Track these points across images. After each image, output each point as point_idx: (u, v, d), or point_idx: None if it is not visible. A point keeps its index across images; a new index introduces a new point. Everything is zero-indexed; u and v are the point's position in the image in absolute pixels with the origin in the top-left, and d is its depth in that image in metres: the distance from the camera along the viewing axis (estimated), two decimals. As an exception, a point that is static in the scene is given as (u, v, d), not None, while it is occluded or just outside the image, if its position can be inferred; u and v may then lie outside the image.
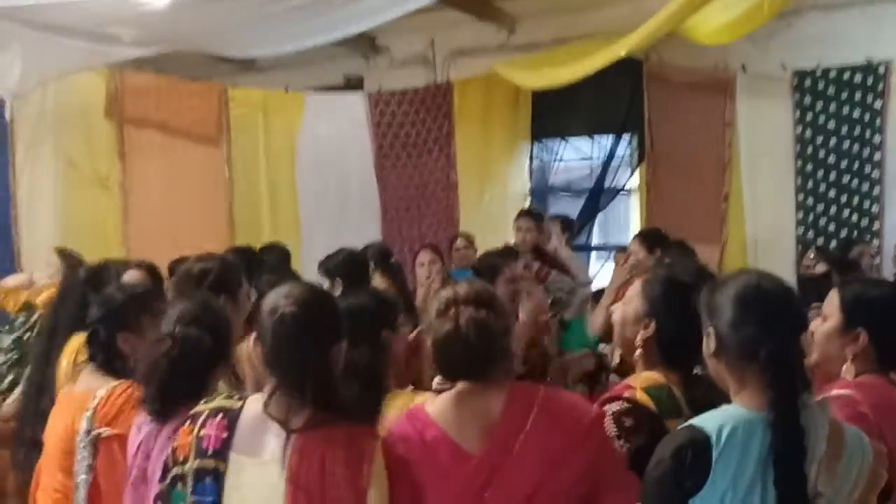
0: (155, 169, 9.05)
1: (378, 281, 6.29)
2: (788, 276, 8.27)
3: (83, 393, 3.79)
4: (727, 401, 2.85)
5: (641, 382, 3.26)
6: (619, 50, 7.69)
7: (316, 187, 9.67)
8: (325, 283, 5.53)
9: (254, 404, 2.92)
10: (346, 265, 5.72)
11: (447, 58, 10.34)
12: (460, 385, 2.92)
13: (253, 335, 2.98)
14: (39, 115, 8.46)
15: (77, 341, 4.34)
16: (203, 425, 2.90)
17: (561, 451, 2.77)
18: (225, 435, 2.87)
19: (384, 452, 2.85)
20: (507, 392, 2.87)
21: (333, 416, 2.88)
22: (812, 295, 6.22)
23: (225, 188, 9.35)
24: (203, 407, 2.97)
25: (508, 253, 6.69)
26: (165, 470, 2.94)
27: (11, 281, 6.92)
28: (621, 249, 8.15)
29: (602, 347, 6.44)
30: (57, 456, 3.76)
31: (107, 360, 3.88)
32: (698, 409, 3.05)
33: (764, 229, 8.91)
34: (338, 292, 5.27)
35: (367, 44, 10.23)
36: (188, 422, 2.95)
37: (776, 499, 2.49)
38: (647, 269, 6.54)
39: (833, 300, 3.39)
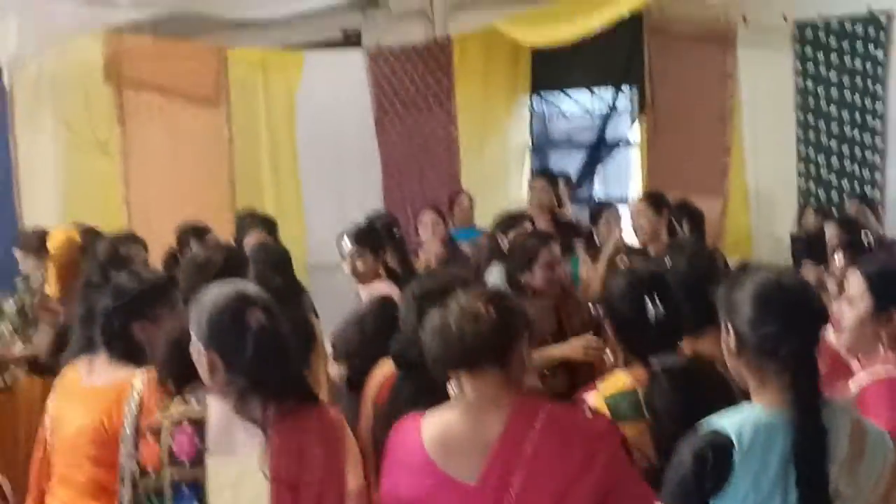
0: (155, 132, 8.98)
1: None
2: (790, 226, 8.38)
3: (107, 384, 3.75)
4: (695, 398, 3.04)
5: (605, 388, 3.39)
6: (622, 7, 7.64)
7: (316, 146, 9.60)
8: (365, 255, 5.63)
9: (215, 406, 2.95)
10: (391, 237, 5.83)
11: (445, 12, 10.25)
12: (459, 397, 2.87)
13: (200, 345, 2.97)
14: (37, 81, 8.38)
15: None
16: (171, 437, 2.92)
17: (571, 475, 2.72)
18: (196, 441, 2.91)
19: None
20: (507, 412, 2.79)
21: (298, 401, 2.96)
22: (803, 252, 6.27)
23: (225, 149, 9.27)
24: (160, 416, 2.99)
25: (521, 218, 6.62)
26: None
27: None
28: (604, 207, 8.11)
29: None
30: (85, 448, 3.70)
31: (124, 349, 3.84)
32: (657, 413, 3.19)
33: (765, 181, 8.93)
34: (379, 263, 5.58)
35: (364, -5, 10.17)
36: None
37: (798, 499, 2.48)
38: (657, 232, 6.63)
39: (857, 282, 3.38)
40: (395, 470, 2.86)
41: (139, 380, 3.61)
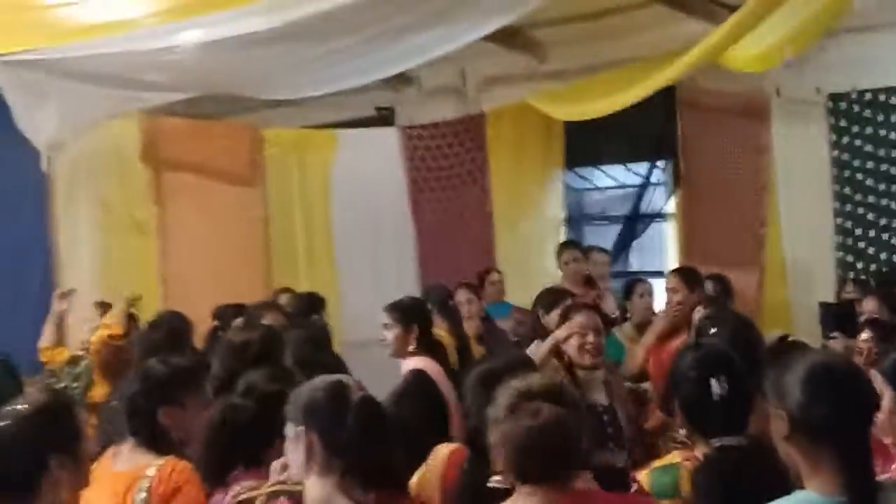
0: (191, 211, 9.07)
1: (438, 324, 6.28)
2: (827, 298, 8.29)
3: (128, 471, 3.73)
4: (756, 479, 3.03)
5: (657, 462, 3.46)
6: (656, 82, 7.66)
7: (351, 223, 9.66)
8: (397, 330, 5.55)
9: (314, 488, 2.91)
10: (424, 313, 5.72)
11: (478, 87, 10.35)
12: (524, 490, 2.79)
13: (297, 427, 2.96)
14: (76, 164, 8.47)
15: None
16: None
17: None
18: None
19: None
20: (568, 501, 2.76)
21: (396, 489, 2.98)
22: (831, 324, 6.18)
23: (261, 228, 9.36)
24: (251, 493, 3.02)
25: (563, 294, 6.64)
26: None
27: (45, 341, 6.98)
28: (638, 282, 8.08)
29: (644, 385, 6.47)
30: None
31: (148, 435, 3.80)
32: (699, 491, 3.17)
33: (802, 253, 8.87)
34: (413, 338, 5.46)
35: (397, 75, 10.22)
36: None
37: (853, 585, 2.42)
38: (693, 308, 6.60)
39: (878, 380, 3.30)
40: None
41: (153, 468, 3.64)
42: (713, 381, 3.42)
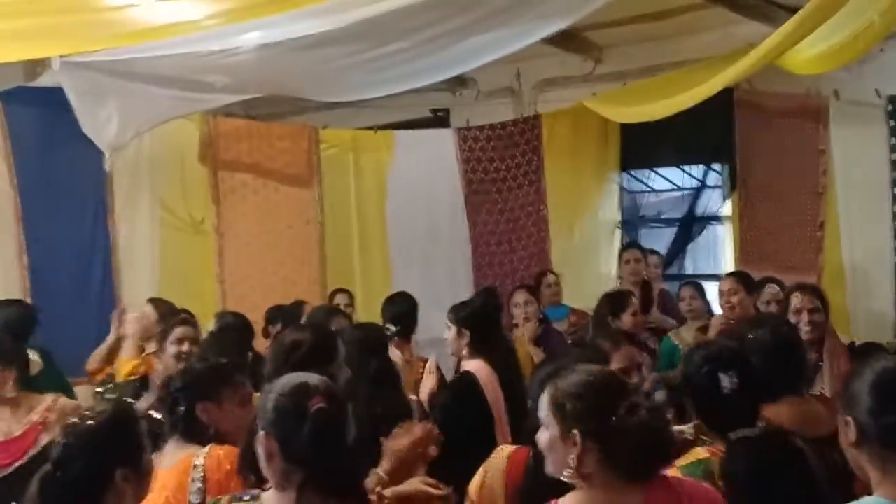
0: (248, 211, 9.18)
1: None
2: (886, 302, 8.25)
3: (173, 465, 3.80)
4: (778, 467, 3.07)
5: (682, 460, 3.44)
6: (714, 85, 7.61)
7: (406, 224, 9.72)
8: (453, 332, 5.54)
9: (273, 500, 2.86)
10: (477, 317, 5.63)
11: (533, 89, 10.37)
12: (617, 484, 2.76)
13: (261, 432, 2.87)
14: (136, 164, 8.58)
15: None
16: None
17: None
18: None
19: None
20: (645, 494, 2.75)
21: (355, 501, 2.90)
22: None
23: (316, 228, 9.44)
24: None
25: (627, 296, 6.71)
26: None
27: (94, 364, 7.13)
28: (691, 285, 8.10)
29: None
30: None
31: (187, 430, 3.92)
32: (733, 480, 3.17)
33: (861, 256, 8.77)
34: (464, 343, 5.43)
35: (453, 77, 10.25)
36: None
37: None
38: (748, 310, 6.60)
39: None
40: None
41: (201, 457, 3.72)
42: (722, 377, 3.51)
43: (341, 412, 2.86)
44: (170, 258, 8.81)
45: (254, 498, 2.90)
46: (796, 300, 5.77)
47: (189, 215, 9.00)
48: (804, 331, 5.52)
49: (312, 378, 2.93)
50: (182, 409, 3.94)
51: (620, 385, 2.80)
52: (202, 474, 3.67)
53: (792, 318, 5.63)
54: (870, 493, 2.60)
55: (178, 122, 8.62)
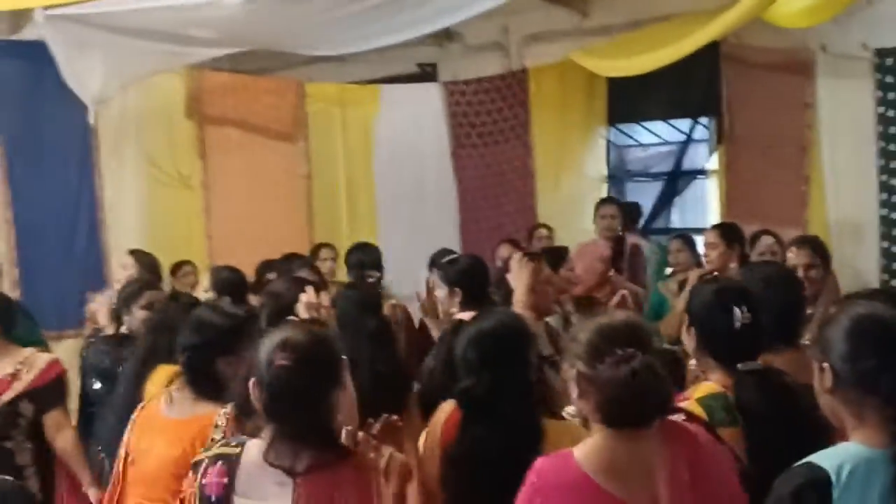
0: (235, 166, 9.17)
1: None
2: (871, 256, 8.28)
3: (189, 419, 3.82)
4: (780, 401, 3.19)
5: (698, 393, 3.41)
6: (701, 38, 7.60)
7: (393, 179, 9.72)
8: (444, 291, 5.44)
9: (253, 449, 2.93)
10: (468, 276, 5.48)
11: (521, 43, 10.31)
12: (610, 432, 2.74)
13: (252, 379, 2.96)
14: (121, 118, 8.55)
15: (169, 370, 4.30)
16: (204, 474, 2.93)
17: (727, 483, 2.76)
18: (225, 481, 2.90)
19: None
20: (661, 434, 2.73)
21: (336, 456, 2.90)
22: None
23: (303, 183, 9.46)
24: (203, 455, 3.01)
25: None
26: None
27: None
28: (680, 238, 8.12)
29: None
30: (166, 481, 3.73)
31: (207, 385, 3.90)
32: (749, 414, 3.22)
33: (846, 211, 8.76)
34: (456, 301, 5.31)
35: (440, 31, 10.19)
36: (191, 471, 2.99)
37: (900, 537, 2.43)
38: (726, 264, 6.60)
39: None
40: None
41: (222, 416, 3.71)
42: (735, 310, 3.49)
43: (306, 371, 2.89)
44: (157, 213, 8.81)
45: (240, 443, 2.97)
46: (792, 255, 5.63)
47: (176, 170, 8.98)
48: None
49: (298, 335, 2.96)
50: (202, 364, 3.94)
51: (625, 335, 2.72)
52: (223, 434, 3.64)
53: None
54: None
55: (163, 77, 8.61)
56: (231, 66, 9.67)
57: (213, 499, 2.88)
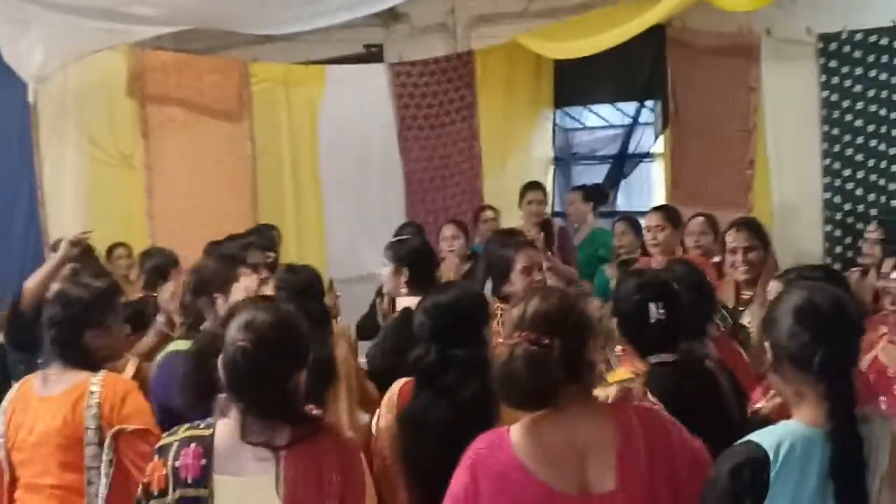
0: (178, 146, 9.06)
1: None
2: (815, 240, 8.34)
3: (66, 391, 3.91)
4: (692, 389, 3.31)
5: (612, 378, 3.49)
6: (646, 21, 7.61)
7: (338, 160, 9.63)
8: (389, 269, 5.42)
9: (225, 429, 2.94)
10: (416, 256, 5.48)
11: (467, 25, 10.28)
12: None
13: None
14: (61, 97, 8.43)
15: None
16: (176, 457, 2.91)
17: (683, 475, 2.71)
18: (203, 462, 2.90)
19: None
20: (595, 417, 2.74)
21: (313, 428, 2.95)
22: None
23: (247, 163, 9.34)
24: (169, 439, 2.99)
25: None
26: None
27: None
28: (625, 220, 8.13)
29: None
30: (49, 455, 3.83)
31: (78, 356, 3.99)
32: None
33: (790, 194, 8.83)
34: (403, 279, 5.32)
35: (386, 12, 10.13)
36: (157, 455, 2.97)
37: (837, 513, 2.45)
38: (673, 246, 6.64)
39: None
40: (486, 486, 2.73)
41: (96, 383, 3.88)
42: (651, 306, 3.63)
43: (265, 352, 2.88)
44: (98, 194, 8.69)
45: (209, 425, 2.97)
46: (730, 239, 5.62)
47: (117, 150, 8.87)
48: (740, 270, 5.47)
49: (262, 315, 2.96)
50: (70, 336, 4.01)
51: (539, 322, 2.74)
52: (98, 400, 3.83)
53: (728, 258, 5.56)
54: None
55: (104, 54, 8.48)
56: (176, 45, 9.56)
57: (190, 480, 2.88)
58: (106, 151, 8.79)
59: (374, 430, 3.88)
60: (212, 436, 2.92)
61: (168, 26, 8.18)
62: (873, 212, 8.29)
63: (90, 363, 3.98)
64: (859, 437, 2.49)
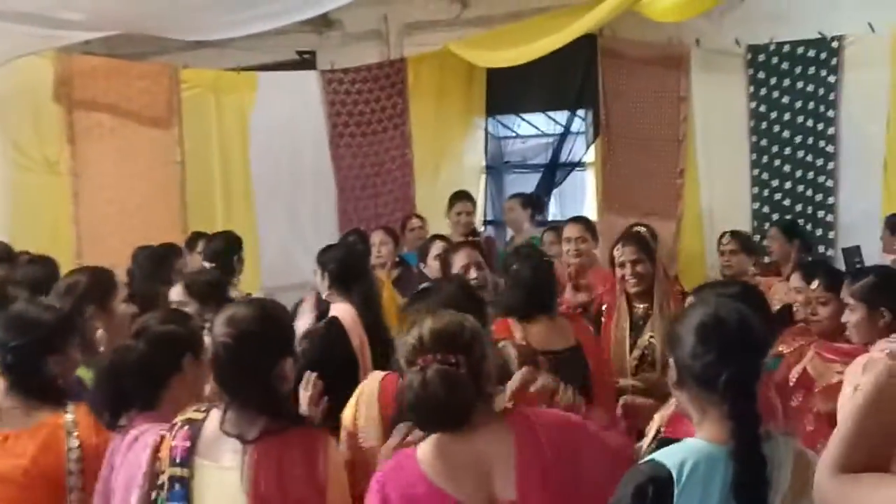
0: (105, 152, 8.91)
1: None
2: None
3: (32, 429, 3.52)
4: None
5: None
6: (576, 30, 7.66)
7: (270, 167, 9.56)
8: (319, 275, 5.57)
9: (215, 417, 3.09)
10: (337, 262, 5.54)
11: (400, 32, 10.26)
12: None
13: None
14: (-14, 101, 8.30)
15: None
16: (175, 436, 3.09)
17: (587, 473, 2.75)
18: (188, 444, 3.05)
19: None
20: (497, 430, 2.77)
21: (287, 423, 3.05)
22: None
23: (177, 170, 9.20)
24: (178, 419, 3.14)
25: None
26: (152, 479, 3.09)
27: None
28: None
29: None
30: (11, 496, 3.44)
31: (38, 386, 3.58)
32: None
33: (719, 204, 8.94)
34: (325, 285, 5.49)
35: (319, 18, 10.09)
36: (168, 433, 3.12)
37: (739, 532, 2.45)
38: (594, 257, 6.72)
39: None
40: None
41: (70, 420, 3.52)
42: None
43: (245, 345, 3.03)
44: (22, 201, 8.58)
45: (207, 409, 3.14)
46: (618, 253, 5.62)
47: (42, 156, 8.73)
48: (630, 283, 5.50)
49: (243, 310, 3.12)
50: (31, 364, 3.58)
51: (442, 339, 2.75)
52: (78, 442, 3.48)
53: (618, 272, 5.58)
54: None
55: (30, 59, 8.36)
56: (108, 49, 9.45)
57: (178, 460, 3.05)
58: (30, 157, 8.65)
59: (349, 426, 3.75)
60: (203, 420, 3.09)
61: (96, 31, 8.06)
62: (801, 221, 8.40)
63: (51, 394, 3.56)
64: (762, 456, 2.50)
